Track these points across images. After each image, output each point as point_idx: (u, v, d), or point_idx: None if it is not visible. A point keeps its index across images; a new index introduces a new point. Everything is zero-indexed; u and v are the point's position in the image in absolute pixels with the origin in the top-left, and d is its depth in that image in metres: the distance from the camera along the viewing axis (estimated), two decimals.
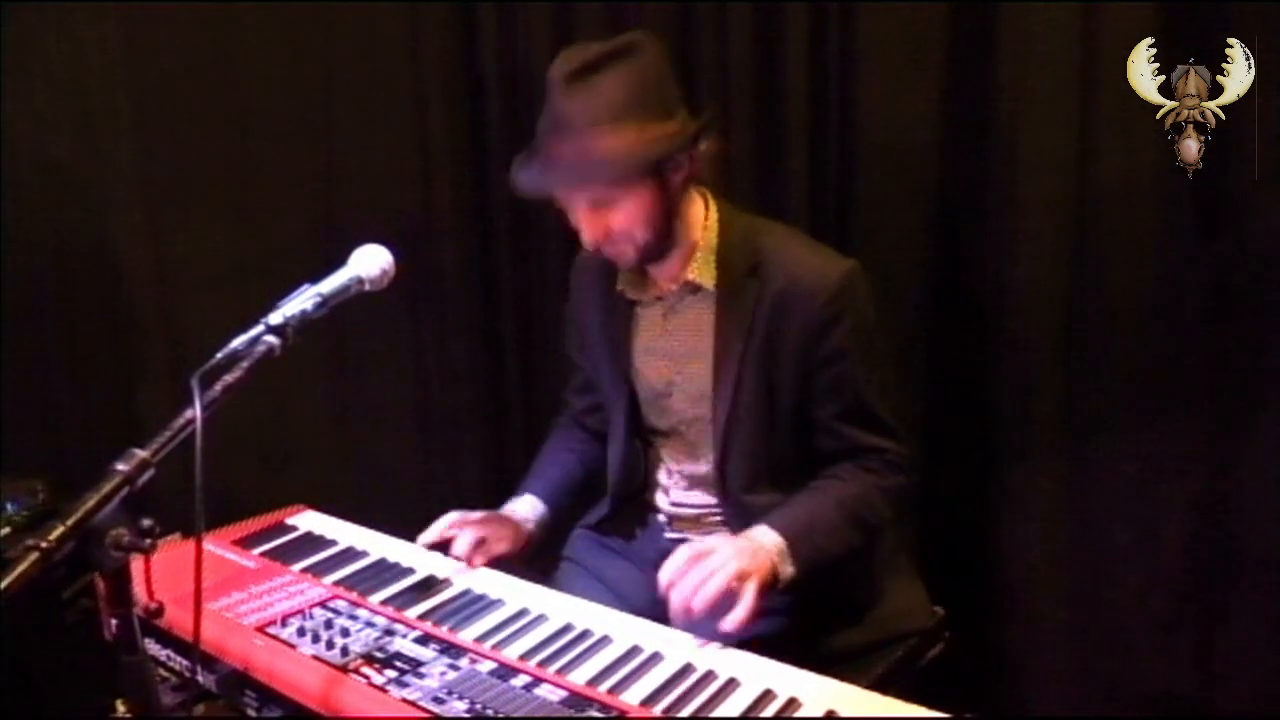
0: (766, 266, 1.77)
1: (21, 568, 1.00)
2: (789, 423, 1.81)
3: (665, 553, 1.91)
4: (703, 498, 1.93)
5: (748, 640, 1.57)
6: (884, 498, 1.78)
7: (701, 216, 1.82)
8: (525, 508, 1.99)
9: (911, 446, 1.85)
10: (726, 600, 1.53)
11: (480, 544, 1.84)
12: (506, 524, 1.93)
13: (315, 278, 1.47)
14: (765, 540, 1.66)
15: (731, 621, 1.52)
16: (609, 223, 1.70)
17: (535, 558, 1.96)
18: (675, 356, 1.88)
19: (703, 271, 1.81)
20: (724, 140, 1.85)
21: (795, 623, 1.76)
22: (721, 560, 1.56)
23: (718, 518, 1.91)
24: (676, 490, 1.97)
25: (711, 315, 1.82)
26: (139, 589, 1.17)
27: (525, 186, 1.71)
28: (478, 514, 1.91)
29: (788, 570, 1.64)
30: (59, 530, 1.05)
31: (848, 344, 1.75)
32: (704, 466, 1.90)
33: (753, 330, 1.77)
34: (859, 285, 1.77)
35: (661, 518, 2.01)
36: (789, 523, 1.69)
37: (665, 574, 1.57)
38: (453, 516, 1.89)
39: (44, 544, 1.03)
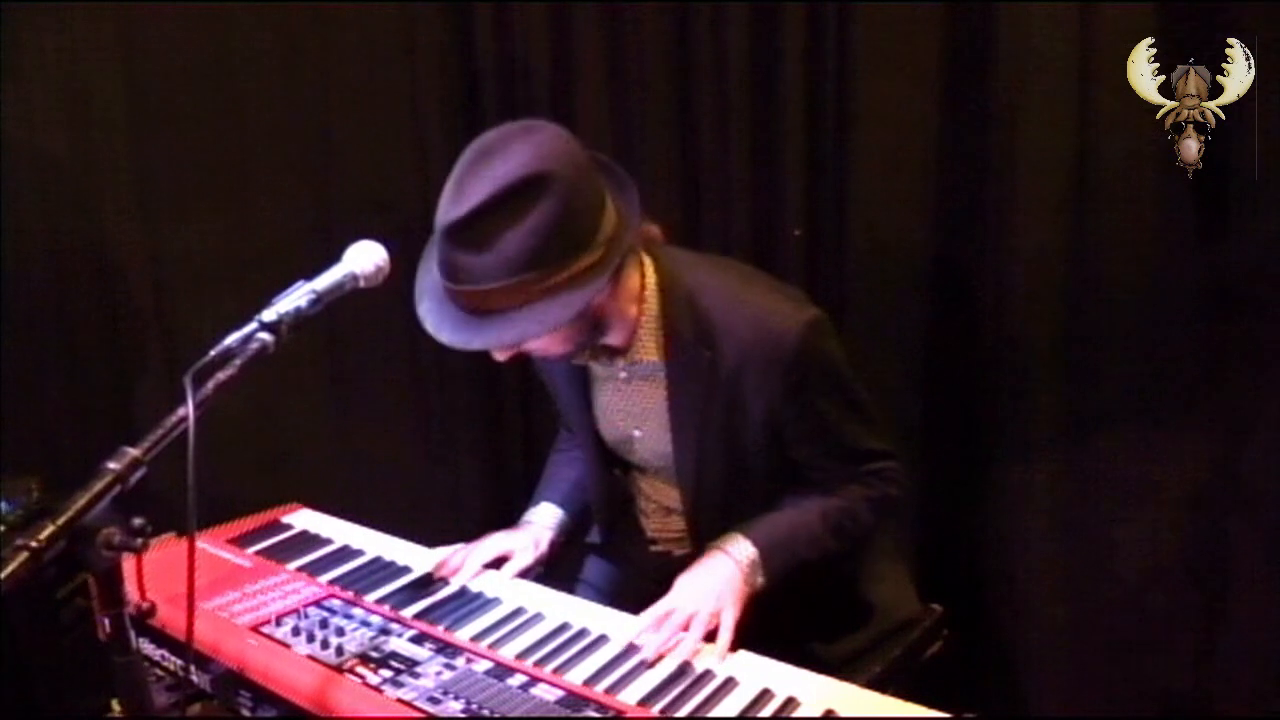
0: (718, 335, 1.64)
1: (10, 567, 0.99)
2: (760, 473, 1.75)
3: (655, 565, 1.91)
4: (679, 525, 1.90)
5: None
6: (869, 508, 1.77)
7: (638, 287, 1.68)
8: (545, 516, 1.97)
9: (904, 454, 1.84)
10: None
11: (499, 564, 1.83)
12: (521, 538, 1.89)
13: (310, 275, 1.47)
14: (738, 554, 1.66)
15: (719, 654, 1.53)
16: (525, 351, 1.61)
17: (559, 563, 1.95)
18: (634, 414, 1.81)
19: (648, 347, 1.70)
20: (652, 216, 1.71)
21: (780, 613, 1.75)
22: (685, 615, 1.56)
23: None
24: (656, 518, 1.96)
25: (664, 386, 1.73)
26: (131, 588, 1.16)
27: (428, 326, 1.56)
28: (488, 543, 1.86)
29: (759, 581, 1.65)
30: (49, 529, 1.04)
31: (819, 400, 1.67)
32: (676, 501, 1.86)
33: (710, 400, 1.67)
34: (820, 338, 1.65)
35: (647, 533, 2.01)
36: (766, 533, 1.69)
37: (642, 641, 1.55)
38: (467, 558, 1.83)
39: (33, 543, 1.02)
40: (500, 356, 1.59)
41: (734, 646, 1.54)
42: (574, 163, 1.50)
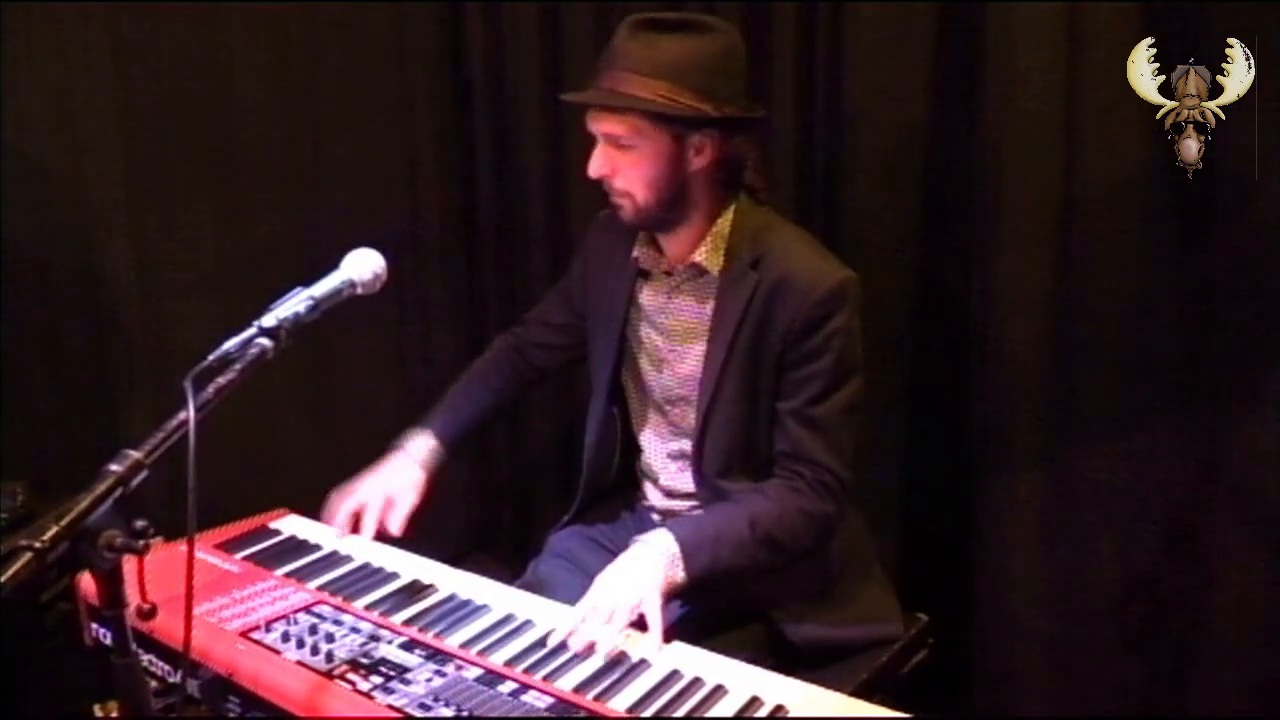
0: (768, 260, 1.80)
1: (14, 568, 0.99)
2: (766, 414, 1.84)
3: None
4: (691, 481, 1.94)
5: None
6: (804, 521, 1.78)
7: (725, 211, 1.86)
8: (420, 450, 2.03)
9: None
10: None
11: (388, 508, 1.94)
12: (400, 475, 1.99)
13: (302, 281, 1.47)
14: (659, 545, 1.70)
15: (655, 643, 1.57)
16: (616, 164, 1.77)
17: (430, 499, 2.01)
18: (671, 334, 1.92)
19: (710, 257, 1.85)
20: (758, 148, 1.92)
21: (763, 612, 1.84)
22: (606, 612, 1.60)
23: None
24: (666, 476, 1.99)
25: (712, 299, 1.86)
26: (130, 591, 1.16)
27: (563, 96, 1.86)
28: (366, 484, 1.98)
29: (680, 576, 1.68)
30: (52, 530, 1.04)
31: (828, 346, 1.77)
32: (688, 444, 1.93)
33: (745, 318, 1.80)
34: (852, 296, 1.79)
35: (653, 515, 2.03)
36: (691, 531, 1.74)
37: (562, 632, 1.60)
38: (347, 505, 1.96)
39: (37, 544, 1.02)
40: (593, 164, 1.78)
41: (666, 636, 1.59)
42: (737, 44, 1.79)
